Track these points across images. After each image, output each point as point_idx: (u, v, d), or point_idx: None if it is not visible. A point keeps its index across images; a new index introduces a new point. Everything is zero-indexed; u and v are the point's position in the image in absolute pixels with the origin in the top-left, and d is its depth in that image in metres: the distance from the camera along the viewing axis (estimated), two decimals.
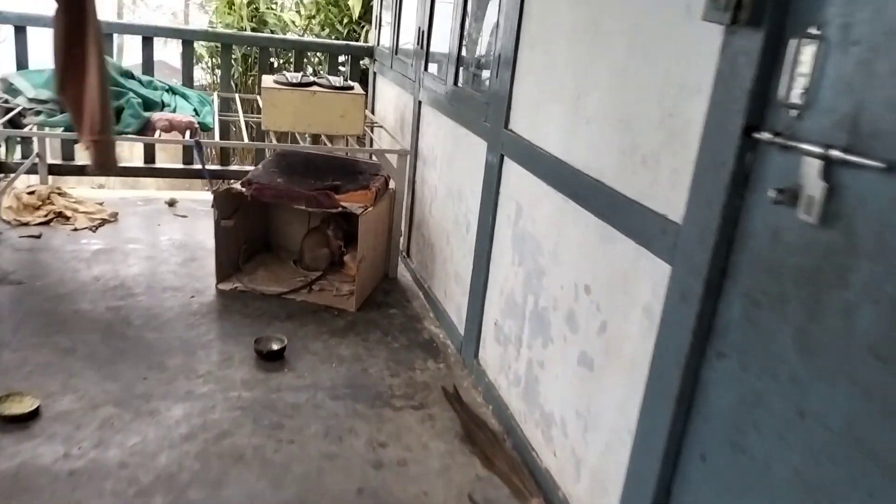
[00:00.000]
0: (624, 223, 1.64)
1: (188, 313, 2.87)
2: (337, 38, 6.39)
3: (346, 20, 6.49)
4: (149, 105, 3.22)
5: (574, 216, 1.87)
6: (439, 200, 3.08)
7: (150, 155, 4.34)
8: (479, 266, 2.53)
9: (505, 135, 2.32)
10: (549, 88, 2.04)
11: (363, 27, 6.35)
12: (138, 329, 2.69)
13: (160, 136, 3.04)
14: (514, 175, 2.27)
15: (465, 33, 2.80)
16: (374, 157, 3.60)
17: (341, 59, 5.23)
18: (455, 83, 2.83)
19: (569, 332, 1.89)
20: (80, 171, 4.26)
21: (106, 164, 1.64)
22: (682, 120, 1.45)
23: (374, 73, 4.39)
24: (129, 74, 3.32)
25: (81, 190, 4.28)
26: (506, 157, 2.34)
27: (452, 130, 2.89)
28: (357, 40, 6.19)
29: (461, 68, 2.83)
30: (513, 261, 2.27)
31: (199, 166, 4.36)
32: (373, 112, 4.31)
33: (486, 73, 2.88)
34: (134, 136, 3.06)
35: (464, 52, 2.84)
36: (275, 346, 2.60)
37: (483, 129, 2.52)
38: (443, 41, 3.07)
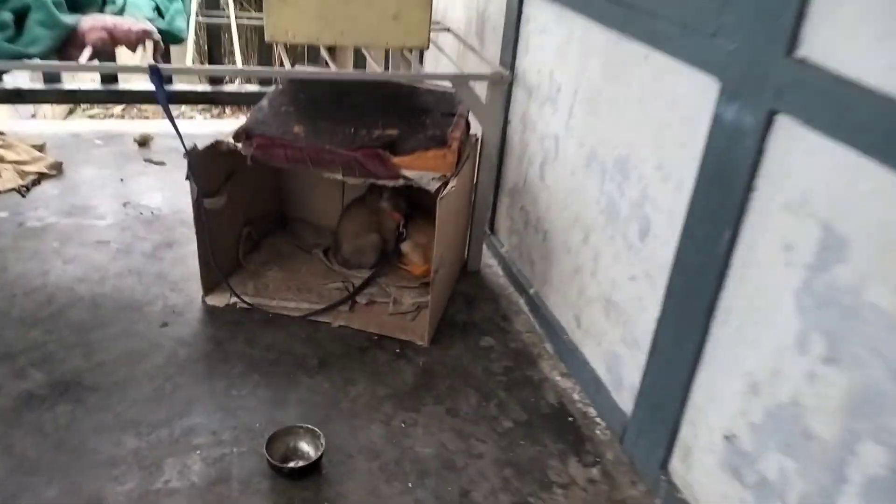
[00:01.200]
0: None
1: (155, 363, 1.73)
2: None
3: None
4: (77, 3, 1.93)
5: None
6: (566, 163, 1.85)
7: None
8: (682, 317, 1.35)
9: (786, 70, 1.07)
10: None
11: None
12: (66, 408, 1.56)
13: (91, 56, 1.78)
14: (822, 165, 1.04)
15: None
16: (432, 80, 2.29)
17: None
18: None
19: None
20: (14, 97, 3.01)
21: None
22: None
23: None
24: None
25: (14, 123, 3.05)
26: (783, 118, 1.10)
27: (608, 47, 1.61)
28: None
29: None
30: (800, 339, 1.08)
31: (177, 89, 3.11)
32: None
33: None
34: (42, 63, 1.78)
35: None
36: (305, 451, 1.46)
37: (705, 50, 1.26)
38: None
